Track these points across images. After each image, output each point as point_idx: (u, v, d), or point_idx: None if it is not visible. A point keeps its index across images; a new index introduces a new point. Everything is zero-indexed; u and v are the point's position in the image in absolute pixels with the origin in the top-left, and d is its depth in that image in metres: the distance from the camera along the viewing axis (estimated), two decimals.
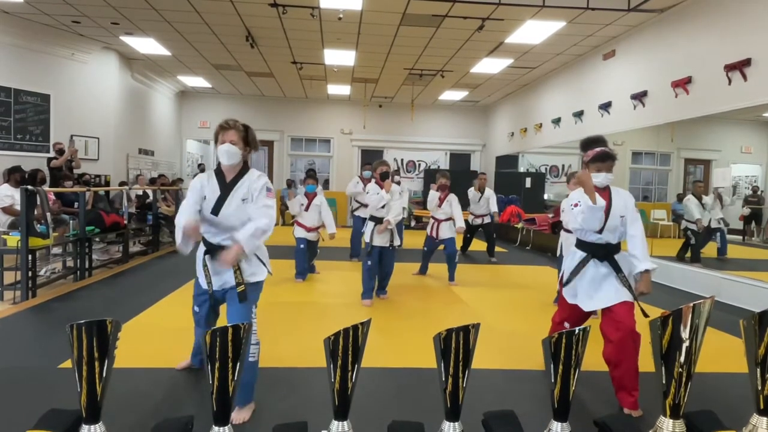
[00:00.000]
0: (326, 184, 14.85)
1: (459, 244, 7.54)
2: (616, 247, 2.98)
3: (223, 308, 2.85)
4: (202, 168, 13.51)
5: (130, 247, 7.65)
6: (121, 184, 9.53)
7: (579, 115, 9.40)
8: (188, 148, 14.59)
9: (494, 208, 8.48)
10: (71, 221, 6.34)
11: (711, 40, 6.25)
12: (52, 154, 8.42)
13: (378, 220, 5.19)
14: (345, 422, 1.33)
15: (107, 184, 9.68)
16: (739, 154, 7.45)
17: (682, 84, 6.61)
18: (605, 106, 8.47)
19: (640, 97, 7.50)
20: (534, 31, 7.98)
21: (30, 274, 5.13)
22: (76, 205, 6.65)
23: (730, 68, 5.84)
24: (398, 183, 8.84)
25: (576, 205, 2.90)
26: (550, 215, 10.43)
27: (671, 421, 1.29)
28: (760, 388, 1.36)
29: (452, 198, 6.57)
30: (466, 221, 8.16)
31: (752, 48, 5.61)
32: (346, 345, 1.26)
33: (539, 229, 10.30)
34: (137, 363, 3.33)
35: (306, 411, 2.70)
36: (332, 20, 7.72)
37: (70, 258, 6.30)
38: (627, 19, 7.33)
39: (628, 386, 2.76)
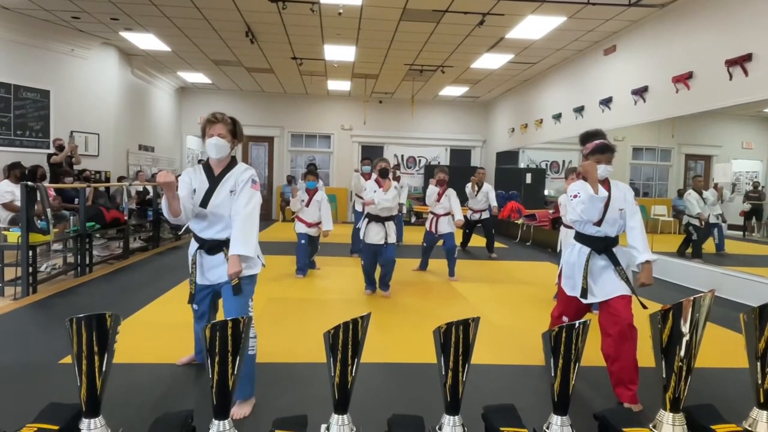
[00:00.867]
0: (326, 180, 14.84)
1: (458, 240, 7.55)
2: (615, 240, 3.00)
3: (221, 303, 2.86)
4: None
5: (130, 243, 7.66)
6: (121, 179, 9.54)
7: (580, 110, 9.38)
8: (188, 144, 14.58)
9: (493, 202, 8.50)
10: (71, 217, 6.34)
11: (712, 35, 6.23)
12: (52, 150, 8.42)
13: (374, 218, 5.19)
14: (345, 416, 1.33)
15: (107, 180, 9.68)
16: (739, 149, 7.44)
17: (683, 79, 6.59)
18: (606, 102, 8.45)
19: (640, 92, 7.49)
20: (534, 27, 7.96)
21: (30, 270, 5.13)
22: (76, 201, 6.66)
23: (731, 63, 5.82)
24: (398, 179, 8.84)
25: (575, 196, 2.92)
26: (551, 211, 10.43)
27: (671, 414, 1.29)
28: (760, 382, 1.36)
29: (450, 192, 6.63)
30: (465, 217, 8.18)
31: (753, 43, 5.60)
32: (346, 339, 1.26)
33: (539, 225, 10.30)
34: (138, 358, 3.34)
35: (306, 405, 2.70)
36: (332, 15, 7.69)
37: (70, 254, 6.31)
38: (628, 14, 7.31)
39: (626, 380, 2.76)
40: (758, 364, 1.36)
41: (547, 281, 6.63)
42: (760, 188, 7.04)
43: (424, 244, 6.90)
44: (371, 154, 13.21)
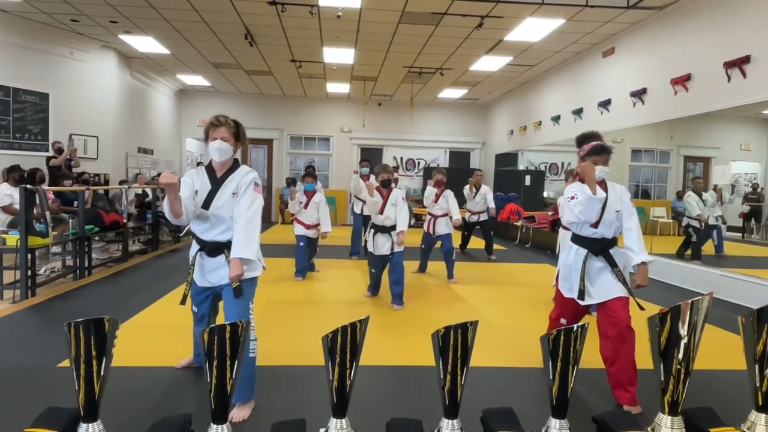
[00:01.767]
0: (325, 182, 14.84)
1: (457, 243, 7.55)
2: (612, 242, 3.00)
3: (221, 305, 2.85)
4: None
5: (129, 245, 7.65)
6: (121, 182, 9.53)
7: (578, 112, 9.39)
8: (187, 146, 14.59)
9: (491, 204, 8.50)
10: (70, 220, 6.33)
11: (710, 37, 6.24)
12: (51, 153, 8.41)
13: (379, 228, 5.11)
14: (344, 420, 1.33)
15: (106, 182, 9.68)
16: (738, 151, 7.44)
17: (682, 81, 6.60)
18: (605, 104, 8.46)
19: (639, 94, 7.50)
20: (533, 29, 7.97)
21: (29, 273, 5.12)
22: (75, 203, 6.65)
23: (729, 65, 5.83)
24: (396, 180, 8.82)
25: (573, 198, 2.92)
26: (550, 213, 10.43)
27: (670, 417, 1.29)
28: (758, 384, 1.36)
29: (448, 193, 6.68)
30: (463, 219, 8.18)
31: (751, 45, 5.61)
32: (345, 343, 1.26)
33: (539, 226, 10.30)
34: (136, 362, 3.33)
35: (305, 409, 2.70)
36: (331, 18, 7.70)
37: (69, 257, 6.30)
38: (626, 16, 7.32)
39: (625, 382, 2.76)
40: (756, 366, 1.36)
41: (546, 283, 6.62)
42: (759, 190, 7.05)
43: (422, 246, 6.89)
44: (370, 156, 13.20)
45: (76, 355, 1.17)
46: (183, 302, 2.84)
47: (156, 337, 3.98)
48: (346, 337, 1.25)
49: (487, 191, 8.48)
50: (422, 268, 6.95)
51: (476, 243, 9.28)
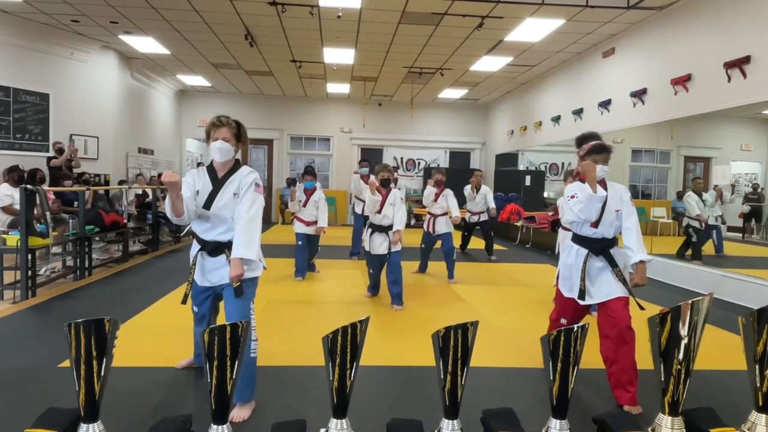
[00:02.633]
0: (325, 182, 14.84)
1: (457, 243, 7.54)
2: (612, 242, 3.00)
3: (222, 306, 2.85)
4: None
5: (129, 246, 7.65)
6: (122, 183, 9.53)
7: (579, 112, 9.39)
8: (188, 146, 14.59)
9: (492, 204, 8.50)
10: (71, 220, 6.34)
11: (710, 37, 6.24)
12: (51, 153, 8.41)
13: (376, 227, 5.11)
14: (344, 420, 1.33)
15: (107, 183, 9.68)
16: (738, 151, 7.44)
17: (682, 81, 6.60)
18: (605, 104, 8.46)
19: (639, 94, 7.49)
20: (533, 29, 7.97)
21: (30, 273, 5.12)
22: (75, 204, 6.65)
23: (729, 66, 5.83)
24: (395, 180, 8.81)
25: (573, 197, 2.93)
26: (550, 213, 10.43)
27: (670, 418, 1.29)
28: (758, 385, 1.36)
29: (448, 192, 6.72)
30: (464, 219, 8.18)
31: (752, 45, 5.60)
32: (345, 343, 1.26)
33: (539, 227, 10.29)
34: (136, 362, 3.33)
35: (305, 409, 2.70)
36: (331, 18, 7.71)
37: (69, 257, 6.30)
38: (626, 16, 7.32)
39: (625, 382, 2.76)
40: (757, 367, 1.36)
41: (546, 283, 6.62)
42: (759, 190, 7.04)
43: (423, 245, 6.89)
44: (370, 156, 13.19)
45: (77, 356, 1.17)
46: (184, 302, 2.84)
47: (156, 337, 3.98)
48: (346, 337, 1.25)
49: (487, 191, 8.49)
50: (422, 268, 6.95)
51: (477, 243, 9.28)
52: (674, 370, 1.25)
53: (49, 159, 8.10)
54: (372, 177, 5.31)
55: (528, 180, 12.09)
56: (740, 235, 7.25)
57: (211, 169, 2.80)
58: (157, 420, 1.42)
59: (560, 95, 10.36)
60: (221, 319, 2.58)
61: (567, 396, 1.29)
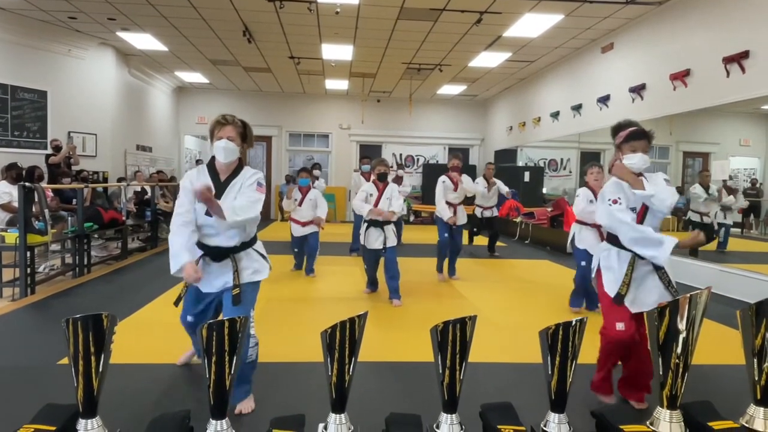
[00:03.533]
0: (324, 178, 14.83)
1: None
2: None
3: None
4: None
5: (128, 243, 7.65)
6: (120, 180, 9.52)
7: (577, 108, 9.38)
8: (186, 144, 14.57)
9: (505, 189, 8.36)
10: (69, 218, 6.33)
11: (709, 32, 6.23)
12: (49, 150, 8.40)
13: (374, 223, 5.03)
14: (343, 415, 1.33)
15: (105, 180, 9.67)
16: (737, 146, 7.44)
17: (681, 77, 6.60)
18: (604, 100, 8.45)
19: (638, 90, 7.49)
20: (532, 25, 7.95)
21: (28, 271, 5.12)
22: (74, 201, 6.65)
23: (728, 61, 5.83)
24: (400, 179, 8.78)
25: (615, 202, 2.61)
26: (549, 209, 10.43)
27: (668, 411, 1.29)
28: (756, 378, 1.36)
29: (464, 177, 6.41)
30: (474, 214, 8.01)
31: (751, 40, 5.60)
32: (343, 338, 1.26)
33: (538, 223, 10.30)
34: (135, 359, 3.33)
35: (304, 405, 2.70)
36: (329, 15, 7.69)
37: (68, 255, 6.30)
38: (625, 11, 7.31)
39: (643, 385, 2.61)
40: (755, 360, 1.36)
41: (545, 278, 6.64)
42: (757, 185, 7.05)
43: (442, 241, 6.24)
44: (370, 153, 13.19)
45: (75, 352, 1.17)
46: (177, 303, 2.72)
47: (155, 334, 3.98)
48: (344, 332, 1.25)
49: (499, 183, 8.29)
50: (441, 268, 6.37)
51: (479, 239, 9.28)
52: (672, 364, 1.25)
53: (48, 156, 8.09)
54: (368, 180, 5.20)
55: (527, 176, 12.08)
56: (739, 230, 7.25)
57: (212, 171, 2.64)
58: (155, 416, 1.42)
59: (559, 91, 10.35)
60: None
61: (565, 390, 1.29)
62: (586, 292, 4.84)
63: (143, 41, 9.45)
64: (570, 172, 11.00)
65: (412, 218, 14.06)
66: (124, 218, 7.26)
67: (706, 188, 6.92)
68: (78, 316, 1.17)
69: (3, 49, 8.21)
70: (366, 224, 5.11)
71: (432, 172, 13.92)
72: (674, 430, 1.27)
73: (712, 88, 6.12)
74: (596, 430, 1.55)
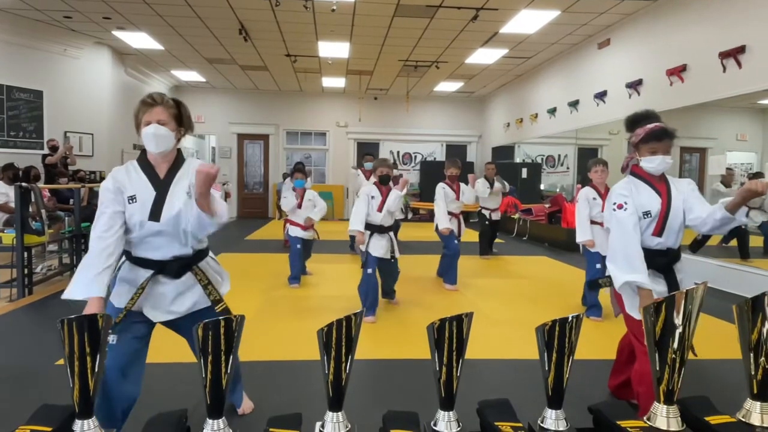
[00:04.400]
0: (322, 178, 14.82)
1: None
2: (678, 253, 2.47)
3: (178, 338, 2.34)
4: None
5: None
6: None
7: (574, 104, 9.38)
8: (184, 142, 14.52)
9: (507, 188, 8.15)
10: (67, 218, 6.32)
11: (705, 27, 6.23)
12: (46, 150, 8.38)
13: (376, 228, 4.54)
14: (340, 413, 1.32)
15: (102, 180, 9.64)
16: (734, 141, 7.44)
17: (677, 72, 6.60)
18: (601, 95, 8.46)
19: (635, 85, 7.49)
20: (528, 21, 7.95)
21: (26, 271, 5.12)
22: (71, 201, 6.63)
23: (724, 56, 5.83)
24: (398, 178, 8.67)
25: (621, 206, 2.36)
26: (547, 205, 10.44)
27: (665, 406, 1.29)
28: (753, 373, 1.36)
29: (463, 187, 6.03)
30: (484, 216, 7.80)
31: (747, 35, 5.60)
32: (340, 336, 1.25)
33: (536, 219, 10.31)
34: None
35: (301, 403, 2.71)
36: (326, 12, 7.67)
37: (66, 255, 6.28)
38: (621, 7, 7.31)
39: (644, 407, 2.35)
40: (751, 355, 1.36)
41: (543, 275, 6.64)
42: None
43: (448, 252, 5.80)
44: (368, 150, 13.16)
45: (70, 352, 1.17)
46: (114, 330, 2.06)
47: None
48: (341, 330, 1.25)
49: (498, 184, 7.92)
50: (454, 280, 5.80)
51: (473, 236, 9.28)
52: (669, 359, 1.25)
53: (44, 156, 8.07)
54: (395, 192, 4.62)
55: (524, 172, 12.09)
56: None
57: (146, 167, 2.10)
58: (152, 415, 1.42)
59: (556, 87, 10.35)
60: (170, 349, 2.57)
61: (562, 386, 1.29)
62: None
63: (139, 40, 9.42)
64: (568, 168, 11.01)
65: (410, 215, 14.06)
66: None
67: (728, 187, 6.86)
68: (73, 316, 1.17)
69: None
70: (369, 231, 4.56)
71: (430, 170, 13.94)
72: (671, 425, 1.27)
73: (708, 83, 6.13)
74: (594, 426, 1.55)
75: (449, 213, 5.79)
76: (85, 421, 1.25)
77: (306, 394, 2.88)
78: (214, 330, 1.31)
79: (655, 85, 7.09)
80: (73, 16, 8.22)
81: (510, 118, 12.87)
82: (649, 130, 2.40)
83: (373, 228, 4.56)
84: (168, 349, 3.44)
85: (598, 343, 3.76)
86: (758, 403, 1.36)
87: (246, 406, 2.68)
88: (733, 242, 6.52)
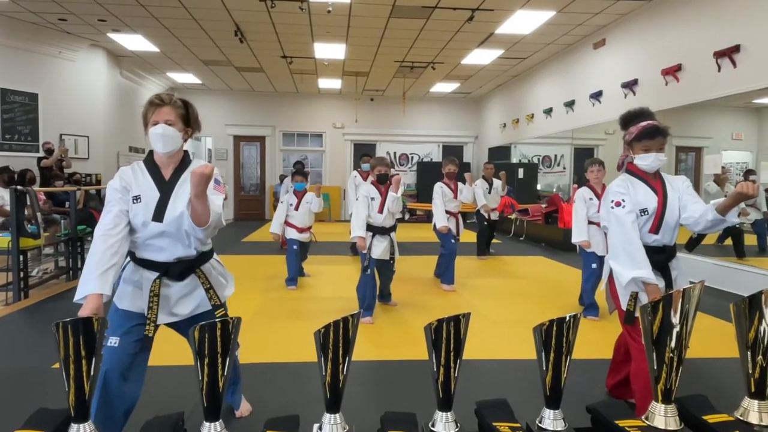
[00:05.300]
0: (319, 178, 14.80)
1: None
2: (674, 251, 2.50)
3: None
4: None
5: None
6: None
7: (570, 104, 9.40)
8: None
9: (503, 191, 8.12)
10: (62, 221, 6.30)
11: (700, 27, 6.25)
12: (41, 153, 8.35)
13: (376, 230, 4.49)
14: (337, 415, 1.32)
15: (98, 182, 9.62)
16: (729, 140, 7.46)
17: (672, 72, 6.62)
18: (596, 96, 8.47)
19: (630, 85, 7.51)
20: (524, 21, 7.96)
21: (22, 274, 5.10)
22: (67, 204, 6.61)
23: (719, 55, 5.85)
24: (398, 182, 8.62)
25: (618, 204, 2.38)
26: (544, 205, 10.45)
27: (663, 406, 1.29)
28: (750, 371, 1.36)
29: (463, 188, 5.96)
30: (483, 216, 7.79)
31: (741, 34, 5.62)
32: (337, 338, 1.25)
33: (532, 219, 10.32)
34: None
35: (300, 405, 2.70)
36: (321, 13, 7.67)
37: (62, 258, 6.26)
38: (616, 7, 7.33)
39: (640, 405, 2.40)
40: (748, 353, 1.36)
41: (540, 275, 6.65)
42: (751, 178, 7.07)
43: (446, 251, 5.76)
44: (364, 151, 13.16)
45: (65, 356, 1.16)
46: (149, 348, 2.18)
47: None
48: (338, 332, 1.24)
49: (498, 183, 7.98)
50: (451, 280, 5.76)
51: (471, 237, 9.28)
52: (666, 358, 1.25)
53: (40, 159, 8.04)
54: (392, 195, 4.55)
55: (521, 173, 12.11)
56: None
57: (152, 167, 2.10)
58: (149, 418, 1.41)
59: (552, 87, 10.36)
60: (170, 354, 2.56)
61: (560, 386, 1.29)
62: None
63: (134, 42, 9.40)
64: (564, 168, 11.03)
65: (407, 216, 14.06)
66: None
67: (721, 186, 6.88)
68: (68, 320, 1.16)
69: None
70: (370, 233, 4.50)
71: (426, 170, 13.94)
72: (669, 424, 1.27)
73: (703, 83, 6.15)
74: (592, 425, 1.55)
75: (447, 212, 5.76)
76: (81, 425, 1.24)
77: (304, 395, 2.87)
78: (211, 333, 1.31)
79: (651, 84, 7.11)
80: (68, 19, 8.20)
81: (506, 119, 12.89)
82: (641, 128, 2.42)
83: (374, 229, 4.50)
84: (165, 351, 3.43)
85: (595, 342, 3.77)
86: (756, 402, 1.37)
87: (244, 408, 2.67)
88: (728, 241, 6.55)
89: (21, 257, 5.05)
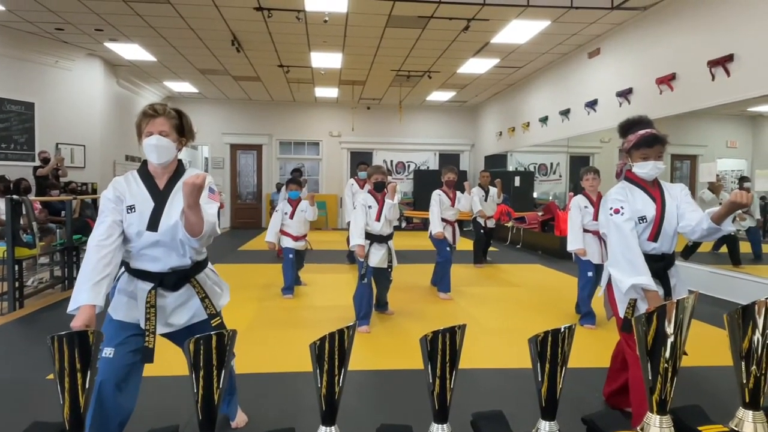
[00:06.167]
0: (315, 186, 14.80)
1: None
2: (672, 258, 2.50)
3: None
4: None
5: None
6: None
7: (566, 113, 9.45)
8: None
9: (500, 199, 8.13)
10: (58, 230, 6.28)
11: (694, 36, 6.30)
12: (37, 162, 8.34)
13: (374, 238, 4.49)
14: (333, 427, 1.32)
15: (94, 191, 9.60)
16: (724, 148, 7.50)
17: (667, 81, 6.66)
18: (591, 104, 8.52)
19: (625, 94, 7.56)
20: (519, 31, 8.01)
21: (17, 284, 5.07)
22: (62, 213, 6.60)
23: (713, 64, 5.89)
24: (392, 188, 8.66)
25: (617, 211, 2.38)
26: (540, 213, 10.47)
27: (658, 417, 1.29)
28: (744, 381, 1.36)
29: (459, 194, 5.94)
30: (479, 224, 7.81)
31: (735, 44, 5.67)
32: (333, 349, 1.25)
33: (529, 227, 10.34)
34: None
35: (296, 417, 2.69)
36: (318, 23, 7.71)
37: (57, 267, 6.24)
38: (611, 17, 7.38)
39: (637, 414, 2.38)
40: (743, 363, 1.37)
41: (537, 283, 6.65)
42: (745, 185, 7.10)
43: (441, 260, 5.80)
44: (361, 160, 13.17)
45: (60, 369, 1.16)
46: (151, 359, 2.12)
47: None
48: (333, 343, 1.25)
49: (494, 191, 8.01)
50: (447, 288, 5.74)
51: (468, 245, 9.29)
52: (661, 368, 1.26)
53: (36, 168, 8.03)
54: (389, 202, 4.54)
55: (517, 181, 12.14)
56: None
57: (146, 176, 2.11)
58: (144, 431, 1.41)
59: (547, 96, 10.42)
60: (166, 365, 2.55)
61: (556, 397, 1.29)
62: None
63: (131, 51, 9.42)
64: (560, 176, 11.06)
65: (404, 224, 14.05)
66: None
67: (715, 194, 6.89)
68: (63, 332, 1.16)
69: None
70: (368, 241, 4.49)
71: (423, 178, 13.97)
72: None
73: (697, 92, 6.19)
74: None
75: (444, 220, 5.77)
76: None
77: (300, 406, 2.86)
78: (206, 345, 1.31)
79: (645, 93, 7.16)
80: (65, 28, 8.22)
81: (502, 127, 12.94)
82: (640, 137, 2.44)
83: (372, 237, 4.50)
84: (160, 361, 3.41)
85: (592, 351, 3.77)
86: (750, 412, 1.37)
87: (240, 419, 2.65)
88: (723, 249, 6.56)
89: (16, 267, 5.03)
